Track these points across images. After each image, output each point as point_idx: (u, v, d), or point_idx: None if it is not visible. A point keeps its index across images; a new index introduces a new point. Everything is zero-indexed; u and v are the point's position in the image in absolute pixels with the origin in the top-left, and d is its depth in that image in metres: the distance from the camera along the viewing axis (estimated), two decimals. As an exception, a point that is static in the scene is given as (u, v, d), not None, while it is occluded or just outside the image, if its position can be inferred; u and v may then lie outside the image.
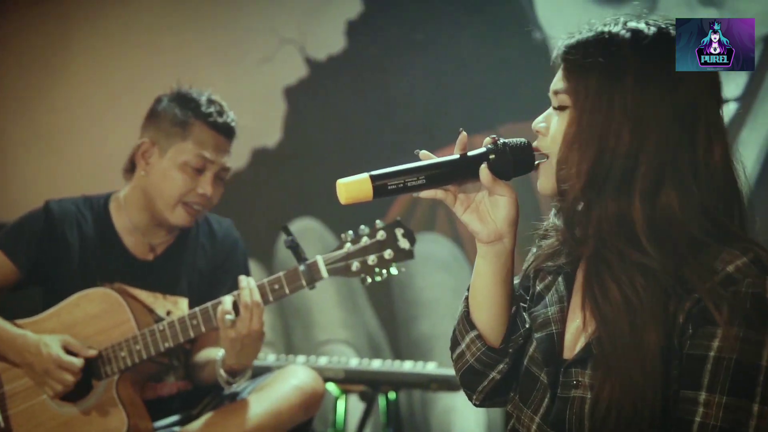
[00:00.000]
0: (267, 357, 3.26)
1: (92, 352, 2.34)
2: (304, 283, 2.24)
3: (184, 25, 4.28)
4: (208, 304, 2.29)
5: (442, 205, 4.31)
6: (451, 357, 1.58)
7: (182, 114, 2.45)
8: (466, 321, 1.53)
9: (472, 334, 1.52)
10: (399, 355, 3.77)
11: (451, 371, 3.11)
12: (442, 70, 3.77)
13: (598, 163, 1.35)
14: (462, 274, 3.73)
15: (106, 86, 4.45)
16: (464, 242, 3.73)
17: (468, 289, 1.54)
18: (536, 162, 1.42)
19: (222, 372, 2.28)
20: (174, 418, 2.46)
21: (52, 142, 4.57)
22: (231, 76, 4.14)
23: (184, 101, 2.47)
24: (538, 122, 1.43)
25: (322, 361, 3.24)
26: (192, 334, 2.30)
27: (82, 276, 2.45)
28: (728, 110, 3.20)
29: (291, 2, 4.06)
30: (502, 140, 1.42)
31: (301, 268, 2.25)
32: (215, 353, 2.35)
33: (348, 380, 3.12)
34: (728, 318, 1.28)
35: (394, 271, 2.22)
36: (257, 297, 2.20)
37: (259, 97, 4.09)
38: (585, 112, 1.36)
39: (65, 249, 2.48)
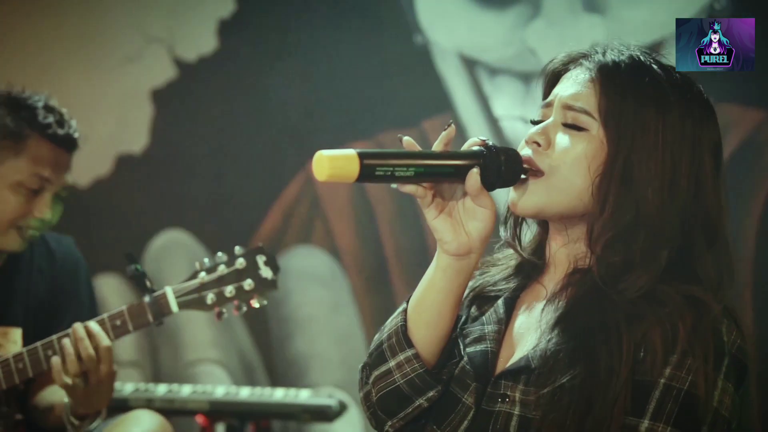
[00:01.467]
0: (124, 387, 3.02)
1: None
2: (150, 318, 2.02)
3: (37, 18, 4.00)
4: (38, 344, 2.04)
5: (320, 217, 4.07)
6: (366, 376, 1.39)
7: (15, 124, 2.17)
8: (403, 336, 1.34)
9: (409, 352, 1.33)
10: (273, 375, 3.60)
11: (326, 400, 2.95)
12: (320, 74, 3.65)
13: (635, 205, 1.26)
14: (340, 289, 3.60)
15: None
16: (342, 256, 3.61)
17: (407, 302, 1.37)
18: (524, 176, 1.29)
19: (73, 420, 2.05)
20: None
21: None
22: (92, 76, 3.91)
23: (17, 108, 2.19)
24: (535, 136, 1.30)
25: (186, 390, 3.01)
26: (17, 380, 2.05)
27: None
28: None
29: (159, -1, 3.87)
30: (492, 144, 1.28)
31: (147, 300, 2.01)
32: (60, 396, 2.11)
33: (214, 411, 2.91)
34: (684, 348, 1.21)
35: (255, 304, 2.02)
36: (106, 341, 1.96)
37: (124, 99, 3.88)
38: (626, 145, 1.27)
39: None
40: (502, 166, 1.27)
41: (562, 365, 1.23)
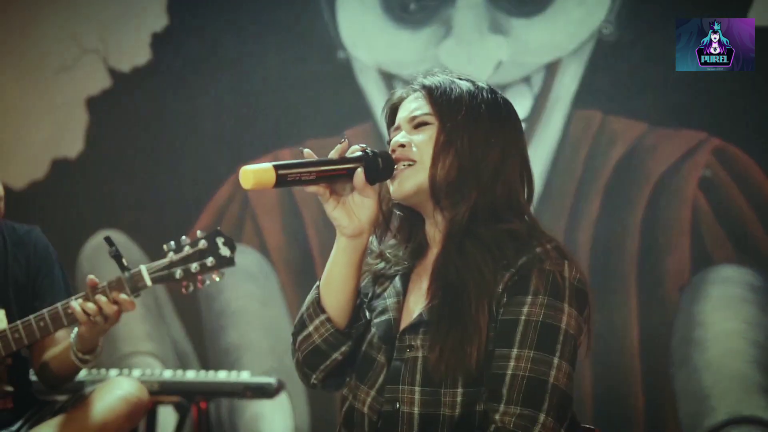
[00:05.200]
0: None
1: None
2: (128, 291, 2.28)
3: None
4: (58, 306, 2.32)
5: (250, 217, 4.32)
6: (294, 342, 1.74)
7: None
8: (317, 305, 1.71)
9: (323, 317, 1.70)
10: (206, 365, 3.82)
11: (266, 379, 3.24)
12: (249, 85, 3.88)
13: (468, 163, 1.65)
14: (269, 284, 3.83)
15: None
16: (271, 252, 3.85)
17: (319, 279, 1.73)
18: (399, 166, 1.67)
19: (80, 354, 2.33)
20: None
21: None
22: (27, 84, 4.07)
23: None
24: (400, 140, 1.68)
25: (136, 373, 3.24)
26: (38, 336, 2.33)
27: None
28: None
29: (92, 11, 4.04)
30: (370, 149, 1.65)
31: (126, 276, 2.28)
32: (55, 349, 2.42)
33: (163, 391, 3.14)
34: (535, 289, 1.58)
35: (216, 278, 2.31)
36: (125, 295, 2.28)
37: (60, 106, 4.04)
38: (455, 128, 1.66)
39: None
40: (380, 164, 1.64)
41: (444, 313, 1.60)
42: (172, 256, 2.31)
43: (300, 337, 1.72)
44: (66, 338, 2.42)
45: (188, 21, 3.94)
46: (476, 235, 1.64)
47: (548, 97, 3.59)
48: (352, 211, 1.67)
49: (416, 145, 1.66)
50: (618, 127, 3.50)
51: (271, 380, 3.22)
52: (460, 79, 1.72)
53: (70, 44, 4.04)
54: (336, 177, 1.63)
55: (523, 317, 1.57)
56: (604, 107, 3.53)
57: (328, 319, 1.69)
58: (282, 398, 3.75)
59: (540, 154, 3.56)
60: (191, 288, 2.31)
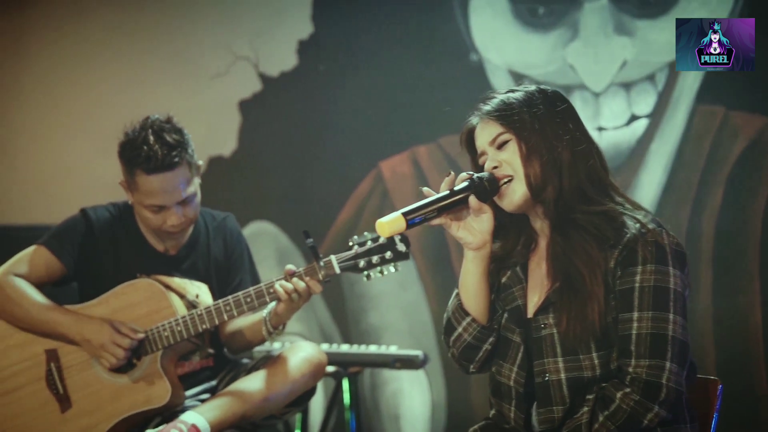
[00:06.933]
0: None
1: (140, 335, 2.69)
2: (320, 277, 2.62)
3: (139, 41, 4.52)
4: (262, 286, 2.66)
5: (388, 208, 4.58)
6: (447, 342, 2.06)
7: (126, 169, 2.75)
8: (461, 310, 2.02)
9: (468, 318, 2.02)
10: (350, 344, 4.09)
11: (413, 351, 3.52)
12: (387, 86, 4.11)
13: (549, 156, 1.93)
14: (406, 269, 4.07)
15: (60, 103, 4.64)
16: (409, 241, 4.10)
17: (457, 287, 2.03)
18: (502, 184, 1.95)
19: (270, 328, 2.68)
20: (199, 388, 2.83)
21: (7, 158, 4.75)
22: (184, 89, 4.39)
23: (125, 154, 2.74)
24: (491, 163, 1.96)
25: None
26: (225, 318, 2.67)
27: (116, 271, 2.79)
28: (640, 125, 3.73)
29: (244, 23, 4.33)
30: (476, 175, 1.93)
31: (321, 264, 2.61)
32: (245, 321, 2.79)
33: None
34: (642, 258, 1.86)
35: (392, 269, 2.63)
36: (315, 281, 2.61)
37: (215, 109, 4.35)
38: (529, 135, 1.92)
39: (102, 248, 2.81)
40: (487, 186, 1.91)
41: (565, 291, 1.87)
42: (357, 248, 2.63)
43: (452, 338, 2.04)
44: (250, 315, 2.78)
45: (331, 28, 4.20)
46: (575, 221, 1.90)
47: (671, 93, 3.74)
48: (473, 228, 1.95)
49: (505, 161, 1.93)
50: (739, 122, 3.61)
51: (418, 353, 3.50)
52: (511, 92, 1.98)
53: (224, 53, 4.37)
54: (453, 206, 1.91)
55: (637, 284, 1.86)
56: (726, 102, 3.65)
57: (473, 320, 2.00)
58: (420, 375, 4.03)
59: (664, 148, 3.73)
60: (371, 277, 2.63)
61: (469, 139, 2.02)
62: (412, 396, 4.09)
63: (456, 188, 1.92)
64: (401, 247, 2.62)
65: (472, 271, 1.98)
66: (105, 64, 4.57)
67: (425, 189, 1.93)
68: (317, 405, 4.11)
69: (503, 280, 2.04)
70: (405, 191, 4.11)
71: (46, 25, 4.66)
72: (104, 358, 2.68)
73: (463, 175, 1.93)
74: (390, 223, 1.84)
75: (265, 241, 4.26)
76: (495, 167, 1.93)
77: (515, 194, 1.93)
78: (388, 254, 2.61)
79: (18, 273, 2.76)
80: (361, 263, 2.62)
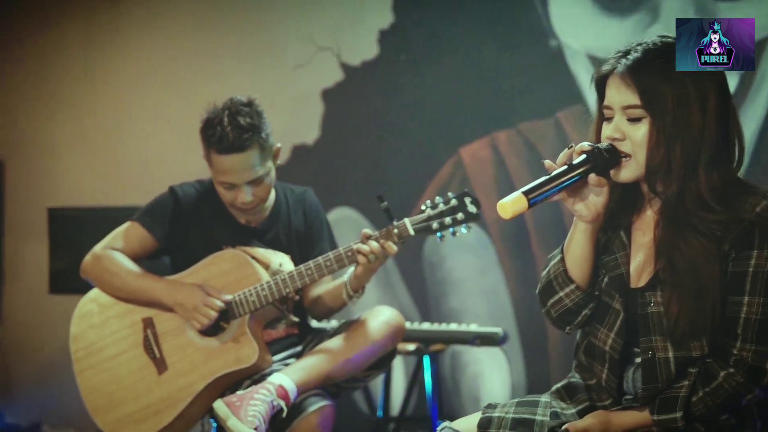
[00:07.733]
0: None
1: (228, 298, 2.82)
2: (395, 239, 2.70)
3: (226, 36, 4.67)
4: (340, 250, 2.78)
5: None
6: (545, 303, 2.04)
7: (204, 146, 2.89)
8: (565, 276, 2.00)
9: (572, 286, 2.00)
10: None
11: (493, 329, 3.57)
12: (467, 73, 4.17)
13: (681, 153, 1.84)
14: (487, 254, 4.14)
15: (148, 92, 4.83)
16: (489, 226, 4.16)
17: (561, 253, 2.01)
18: (622, 157, 1.89)
19: (351, 292, 2.81)
20: (285, 353, 2.97)
21: (96, 144, 4.96)
22: (268, 80, 4.52)
23: (204, 133, 2.87)
24: (614, 133, 1.88)
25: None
26: (308, 281, 2.78)
27: (204, 244, 2.94)
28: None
29: (326, 14, 4.45)
30: (597, 147, 1.88)
31: (394, 225, 2.71)
32: (327, 287, 2.92)
33: (404, 339, 3.53)
34: (759, 243, 1.84)
35: (464, 230, 2.70)
36: (391, 244, 2.71)
37: (298, 98, 4.47)
38: (666, 123, 1.81)
39: (190, 222, 2.96)
40: (608, 160, 1.85)
41: (678, 274, 1.84)
42: (429, 211, 2.72)
43: (551, 300, 2.02)
44: (330, 280, 2.87)
45: (412, 18, 4.27)
46: (689, 221, 1.84)
47: (755, 74, 3.74)
48: (590, 201, 1.90)
49: (630, 139, 1.86)
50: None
51: (498, 330, 3.55)
52: (662, 53, 1.82)
53: (306, 43, 4.48)
54: (573, 182, 1.86)
55: (751, 269, 1.84)
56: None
57: (577, 287, 1.99)
58: (500, 358, 4.07)
59: (747, 128, 3.72)
60: (444, 238, 2.70)
61: (600, 82, 1.91)
62: (492, 378, 4.14)
63: (575, 162, 1.86)
64: (472, 208, 2.70)
65: (581, 241, 1.96)
66: (192, 58, 4.74)
67: (547, 162, 1.88)
68: (398, 384, 4.18)
69: (602, 239, 2.00)
70: (484, 176, 4.16)
71: (140, 20, 4.84)
72: (196, 319, 2.81)
73: (584, 145, 1.87)
74: (512, 204, 1.80)
75: (347, 226, 4.35)
76: (615, 139, 1.87)
77: (626, 172, 1.89)
78: (460, 215, 2.70)
79: (115, 247, 2.95)
80: (434, 224, 2.70)
